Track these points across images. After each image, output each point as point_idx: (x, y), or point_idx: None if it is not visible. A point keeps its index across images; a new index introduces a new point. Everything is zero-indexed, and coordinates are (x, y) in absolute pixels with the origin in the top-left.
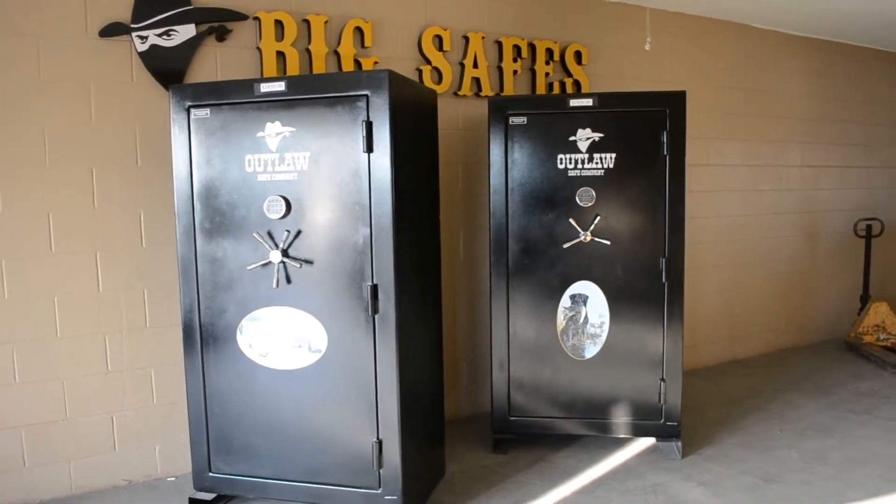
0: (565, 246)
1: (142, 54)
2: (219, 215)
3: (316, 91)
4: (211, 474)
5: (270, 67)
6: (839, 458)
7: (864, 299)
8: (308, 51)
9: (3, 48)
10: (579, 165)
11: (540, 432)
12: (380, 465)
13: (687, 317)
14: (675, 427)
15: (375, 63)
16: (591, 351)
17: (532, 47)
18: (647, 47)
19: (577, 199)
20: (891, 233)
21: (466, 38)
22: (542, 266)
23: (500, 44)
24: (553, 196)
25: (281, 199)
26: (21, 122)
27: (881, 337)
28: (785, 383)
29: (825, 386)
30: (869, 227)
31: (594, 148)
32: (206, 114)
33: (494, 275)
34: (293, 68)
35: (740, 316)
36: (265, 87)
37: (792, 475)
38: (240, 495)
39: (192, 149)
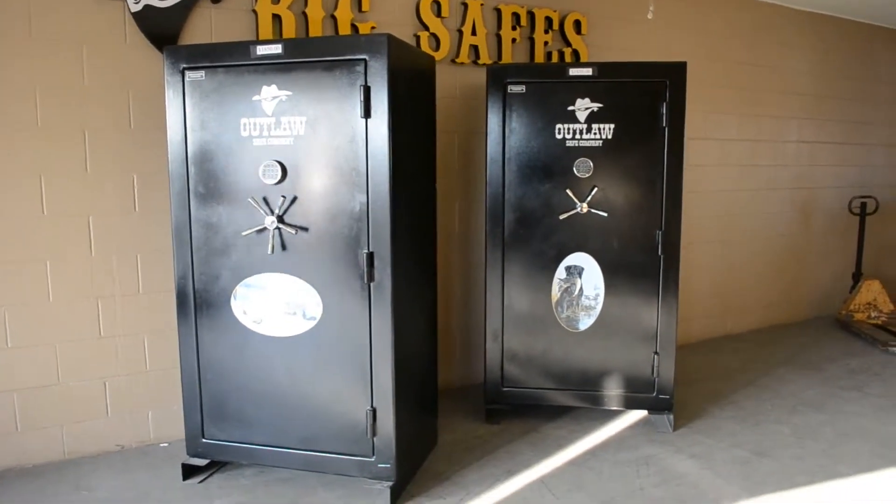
0: (562, 217)
1: (135, 14)
2: (213, 180)
3: (313, 54)
4: (204, 440)
5: (266, 31)
6: (830, 434)
7: (857, 277)
8: (304, 14)
9: None
10: (577, 136)
11: (533, 403)
12: (373, 434)
13: (681, 291)
14: (668, 400)
15: (373, 28)
16: (585, 323)
17: (531, 15)
18: (649, 16)
19: (574, 169)
20: (885, 211)
21: (465, 5)
22: (537, 237)
23: (498, 11)
24: (550, 166)
25: (277, 164)
26: (12, 83)
27: (872, 315)
28: (777, 359)
29: (816, 362)
30: (863, 205)
31: (593, 118)
32: (201, 76)
33: (490, 245)
34: (289, 32)
35: (733, 291)
36: (262, 50)
37: (782, 450)
38: (233, 461)
39: (186, 112)
